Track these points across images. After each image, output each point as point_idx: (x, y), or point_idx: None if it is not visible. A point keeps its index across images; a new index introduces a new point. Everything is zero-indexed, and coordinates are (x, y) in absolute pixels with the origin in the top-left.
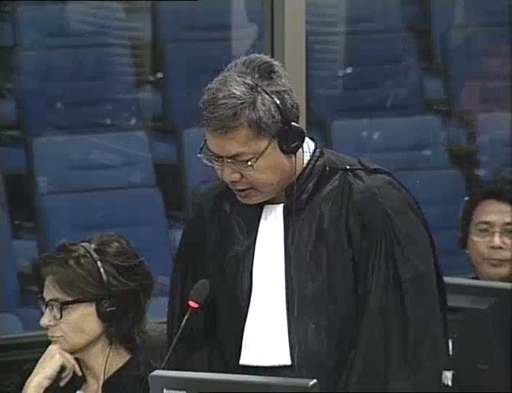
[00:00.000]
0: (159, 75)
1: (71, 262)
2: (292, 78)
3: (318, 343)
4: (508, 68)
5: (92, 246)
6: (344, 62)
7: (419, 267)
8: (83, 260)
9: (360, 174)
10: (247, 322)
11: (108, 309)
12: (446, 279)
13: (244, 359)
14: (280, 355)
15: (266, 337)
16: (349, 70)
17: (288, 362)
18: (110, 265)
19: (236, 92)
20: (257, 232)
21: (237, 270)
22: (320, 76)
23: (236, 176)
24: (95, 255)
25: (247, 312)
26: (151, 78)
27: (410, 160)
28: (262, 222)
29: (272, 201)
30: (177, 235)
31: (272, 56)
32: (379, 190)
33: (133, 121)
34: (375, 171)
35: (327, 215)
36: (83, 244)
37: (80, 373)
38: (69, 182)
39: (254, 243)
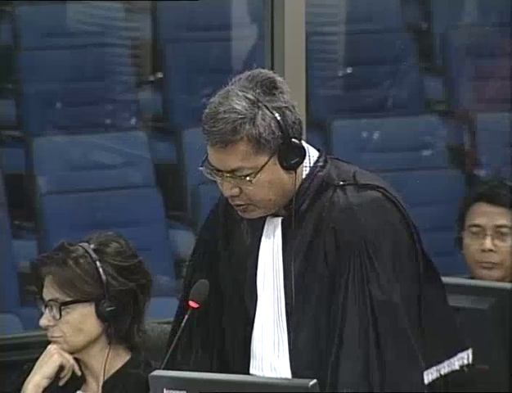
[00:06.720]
0: (159, 75)
1: (70, 262)
2: (292, 78)
3: (312, 354)
4: (508, 68)
5: (91, 246)
6: (344, 62)
7: (392, 297)
8: (81, 260)
9: (348, 190)
10: (253, 333)
11: (107, 309)
12: (446, 279)
13: (253, 369)
14: (282, 368)
15: (268, 349)
16: (349, 70)
17: (289, 375)
18: (108, 265)
19: (237, 107)
20: (259, 243)
21: (243, 280)
22: (320, 76)
23: (235, 191)
24: (94, 255)
25: (253, 322)
26: (151, 78)
27: (410, 160)
28: (264, 233)
29: (274, 214)
30: (177, 235)
31: (272, 56)
32: (359, 208)
33: (133, 121)
34: (365, 186)
35: (314, 231)
36: (81, 244)
37: (80, 373)
38: (69, 182)
39: (257, 255)
